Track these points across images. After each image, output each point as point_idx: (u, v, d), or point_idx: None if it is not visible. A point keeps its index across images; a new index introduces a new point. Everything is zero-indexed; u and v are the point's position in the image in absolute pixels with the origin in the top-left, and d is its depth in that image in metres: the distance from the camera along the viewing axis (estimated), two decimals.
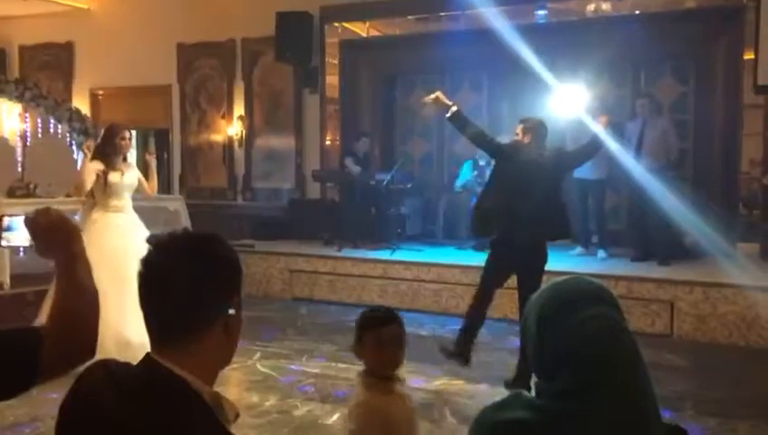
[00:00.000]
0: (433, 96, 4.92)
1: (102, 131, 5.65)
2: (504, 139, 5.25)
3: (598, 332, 1.36)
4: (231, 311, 1.34)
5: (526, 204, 4.56)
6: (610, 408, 1.32)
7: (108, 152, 5.27)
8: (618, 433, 1.33)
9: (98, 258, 4.63)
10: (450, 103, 4.87)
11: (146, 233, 5.34)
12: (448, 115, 4.85)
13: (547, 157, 4.79)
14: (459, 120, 4.86)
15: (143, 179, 5.50)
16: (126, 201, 5.34)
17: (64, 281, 1.42)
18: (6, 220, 1.50)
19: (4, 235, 1.50)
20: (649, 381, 1.36)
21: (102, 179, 5.19)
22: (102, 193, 5.24)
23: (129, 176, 5.33)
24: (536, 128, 4.80)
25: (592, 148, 4.98)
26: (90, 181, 5.18)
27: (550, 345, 1.39)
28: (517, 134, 4.86)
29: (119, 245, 5.02)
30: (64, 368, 1.36)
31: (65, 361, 1.36)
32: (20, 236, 1.48)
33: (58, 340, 1.35)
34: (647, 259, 7.22)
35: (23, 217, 1.46)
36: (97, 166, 5.22)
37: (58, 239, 1.43)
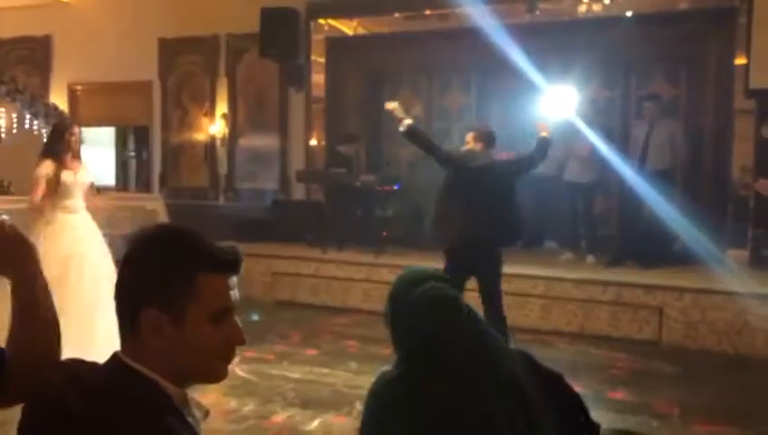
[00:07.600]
0: (391, 106, 5.13)
1: (50, 128, 5.45)
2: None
3: (433, 299, 1.75)
4: (158, 308, 1.24)
5: (479, 209, 4.82)
6: (440, 371, 1.69)
7: (57, 150, 5.08)
8: (448, 397, 1.67)
9: (53, 260, 4.47)
10: (403, 117, 5.04)
11: (100, 237, 5.20)
12: (401, 129, 5.05)
13: (499, 163, 5.12)
14: (410, 135, 5.08)
15: (92, 184, 5.31)
16: (78, 201, 5.13)
17: (19, 304, 1.34)
18: None
19: None
20: (489, 347, 1.79)
21: (54, 180, 5.00)
22: (55, 193, 5.04)
23: (81, 175, 5.14)
24: (488, 135, 5.10)
25: (541, 151, 5.18)
26: (44, 182, 5.01)
27: (398, 320, 1.78)
28: (468, 142, 5.11)
29: (75, 252, 4.88)
30: (21, 396, 1.28)
31: (22, 388, 1.29)
32: None
33: (15, 368, 1.29)
34: (620, 264, 7.10)
35: None
36: (48, 166, 5.04)
37: (12, 257, 1.34)
